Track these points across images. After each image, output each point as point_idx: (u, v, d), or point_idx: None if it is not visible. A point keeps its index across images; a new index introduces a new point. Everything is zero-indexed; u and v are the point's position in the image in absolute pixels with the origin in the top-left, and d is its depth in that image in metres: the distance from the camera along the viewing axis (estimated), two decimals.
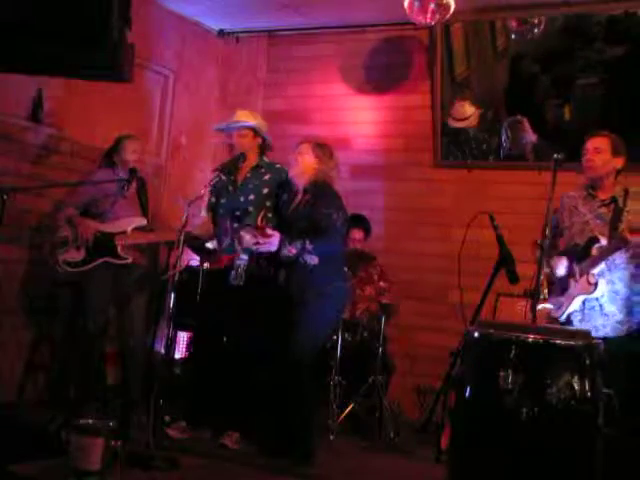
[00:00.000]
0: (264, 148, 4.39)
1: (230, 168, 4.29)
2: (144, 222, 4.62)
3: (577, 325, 3.63)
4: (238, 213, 4.21)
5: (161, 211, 4.89)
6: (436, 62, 5.58)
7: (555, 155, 3.64)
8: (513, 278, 3.90)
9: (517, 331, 2.77)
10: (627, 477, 3.36)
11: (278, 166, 4.36)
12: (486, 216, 3.98)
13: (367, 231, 5.31)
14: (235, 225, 4.20)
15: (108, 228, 4.54)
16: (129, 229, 4.57)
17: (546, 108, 5.28)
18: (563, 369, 2.69)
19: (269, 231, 3.83)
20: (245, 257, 4.05)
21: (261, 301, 4.10)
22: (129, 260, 4.54)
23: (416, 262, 5.60)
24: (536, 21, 5.27)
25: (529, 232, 3.99)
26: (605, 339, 3.30)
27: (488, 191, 5.37)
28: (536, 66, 5.31)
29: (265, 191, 4.25)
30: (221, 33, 6.25)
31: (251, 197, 4.24)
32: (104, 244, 4.50)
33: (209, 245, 4.57)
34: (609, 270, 3.69)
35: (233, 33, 6.25)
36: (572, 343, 2.74)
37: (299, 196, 4.10)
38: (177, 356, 4.97)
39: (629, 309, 3.73)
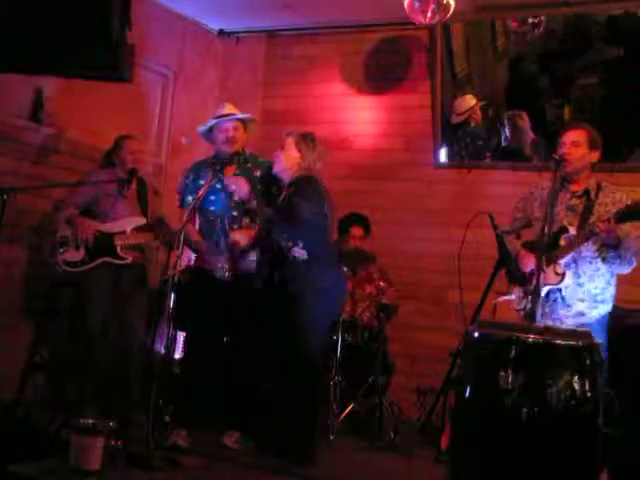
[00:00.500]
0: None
1: (221, 165, 4.16)
2: (144, 222, 4.62)
3: (539, 318, 3.49)
4: (235, 213, 4.18)
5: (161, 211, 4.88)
6: (436, 62, 5.58)
7: (555, 155, 3.63)
8: (513, 278, 3.89)
9: (517, 331, 2.77)
10: (627, 477, 3.36)
11: (261, 159, 4.31)
12: (486, 216, 3.97)
13: (367, 229, 5.31)
14: (235, 226, 4.17)
15: (108, 228, 4.54)
16: (128, 229, 4.57)
17: (546, 108, 5.29)
18: (563, 369, 2.69)
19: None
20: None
21: (257, 299, 4.10)
22: (129, 260, 4.54)
23: (416, 262, 5.60)
24: (536, 21, 5.27)
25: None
26: None
27: (488, 191, 5.37)
28: (536, 66, 5.32)
29: (258, 188, 4.18)
30: (221, 33, 6.25)
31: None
32: (104, 244, 4.50)
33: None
34: (575, 262, 3.63)
35: (233, 33, 6.25)
36: (572, 343, 2.75)
37: (284, 192, 4.08)
38: (177, 356, 4.96)
39: (591, 303, 3.66)
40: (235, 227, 4.17)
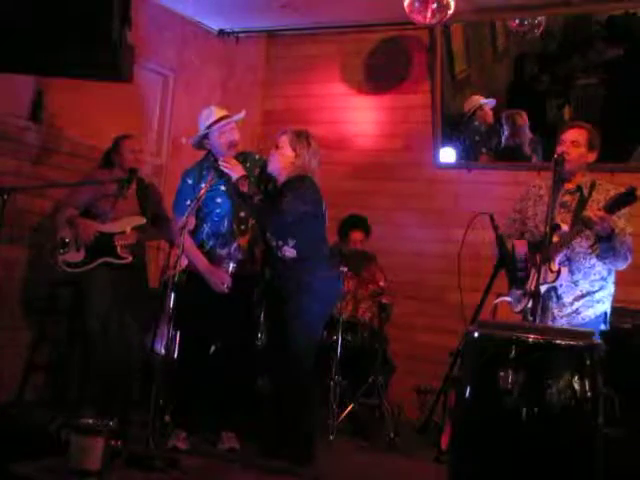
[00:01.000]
0: None
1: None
2: (143, 221, 4.62)
3: (537, 318, 3.53)
4: (243, 214, 4.15)
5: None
6: (436, 62, 5.58)
7: (555, 155, 3.63)
8: (512, 279, 3.87)
9: (517, 331, 2.77)
10: (627, 477, 3.36)
11: (258, 157, 4.27)
12: (486, 216, 3.97)
13: (367, 232, 5.31)
14: (242, 227, 4.15)
15: (108, 229, 4.54)
16: (128, 229, 4.57)
17: (546, 108, 5.29)
18: (563, 369, 2.69)
19: None
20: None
21: (250, 299, 4.11)
22: (129, 260, 4.54)
23: (416, 262, 5.60)
24: (536, 21, 5.27)
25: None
26: None
27: (488, 191, 5.37)
28: (536, 66, 5.32)
29: (261, 187, 4.12)
30: (221, 33, 6.24)
31: None
32: (104, 244, 4.50)
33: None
34: (569, 260, 3.61)
35: (233, 33, 6.24)
36: (572, 343, 2.74)
37: (278, 191, 4.05)
38: (177, 356, 4.96)
39: (587, 302, 3.63)
40: (243, 228, 4.15)
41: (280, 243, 3.95)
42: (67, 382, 4.75)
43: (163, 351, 4.12)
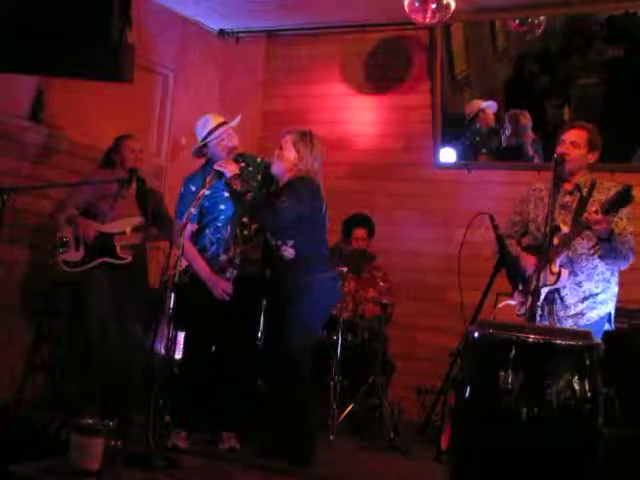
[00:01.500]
0: None
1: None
2: (143, 222, 4.61)
3: (538, 320, 3.47)
4: (245, 220, 4.15)
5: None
6: (436, 62, 5.59)
7: (555, 155, 3.62)
8: (515, 284, 3.86)
9: (517, 331, 2.77)
10: (627, 477, 3.36)
11: (259, 160, 4.26)
12: (486, 216, 3.97)
13: (371, 230, 5.31)
14: (245, 233, 4.16)
15: (108, 229, 4.54)
16: (128, 229, 4.57)
17: (546, 108, 5.29)
18: (563, 369, 2.68)
19: None
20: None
21: (250, 299, 4.11)
22: (128, 260, 4.54)
23: (416, 262, 5.60)
24: (536, 21, 5.27)
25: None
26: None
27: (488, 191, 5.38)
28: (536, 66, 5.32)
29: (261, 196, 4.09)
30: (221, 33, 6.25)
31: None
32: (103, 244, 4.50)
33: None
34: (571, 261, 3.59)
35: (233, 33, 6.25)
36: (572, 343, 2.74)
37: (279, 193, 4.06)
38: (177, 356, 4.96)
39: (591, 303, 3.62)
40: (245, 233, 4.16)
41: (279, 243, 3.95)
42: (67, 382, 4.75)
43: (163, 351, 4.11)
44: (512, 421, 2.66)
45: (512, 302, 3.79)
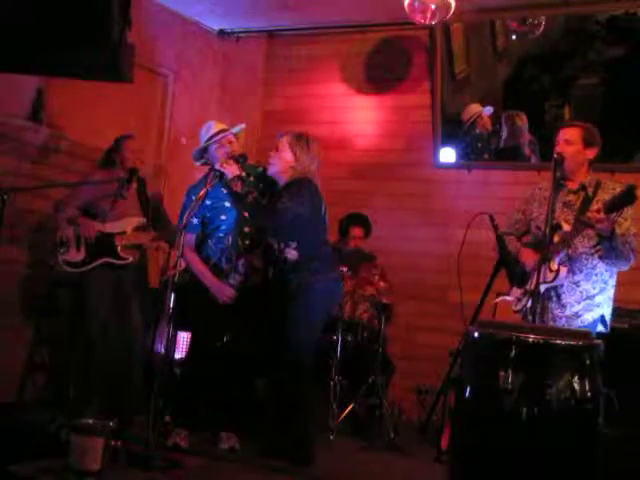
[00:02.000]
0: None
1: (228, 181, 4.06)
2: (143, 221, 4.62)
3: (536, 318, 3.47)
4: (247, 230, 4.16)
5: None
6: (436, 62, 5.58)
7: (555, 155, 3.62)
8: (513, 279, 3.87)
9: (517, 331, 2.77)
10: (627, 477, 3.36)
11: (260, 169, 4.22)
12: (486, 216, 3.97)
13: (367, 229, 5.31)
14: (246, 242, 4.17)
15: (108, 228, 4.54)
16: (129, 229, 4.57)
17: (546, 108, 5.29)
18: (563, 369, 2.68)
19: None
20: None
21: (252, 300, 4.11)
22: (129, 260, 4.54)
23: (416, 262, 5.60)
24: (536, 21, 5.27)
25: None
26: None
27: (488, 191, 5.38)
28: (536, 66, 5.32)
29: (264, 202, 4.09)
30: (221, 33, 6.25)
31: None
32: (104, 244, 4.50)
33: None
34: (570, 260, 3.59)
35: (233, 33, 6.25)
36: (572, 343, 2.74)
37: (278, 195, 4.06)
38: (177, 356, 4.96)
39: (587, 305, 3.61)
40: (247, 243, 4.17)
41: (282, 245, 3.97)
42: (67, 382, 4.75)
43: (163, 351, 4.12)
44: (512, 421, 2.66)
45: (509, 298, 3.79)
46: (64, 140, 5.01)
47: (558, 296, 3.62)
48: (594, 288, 3.62)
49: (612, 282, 3.68)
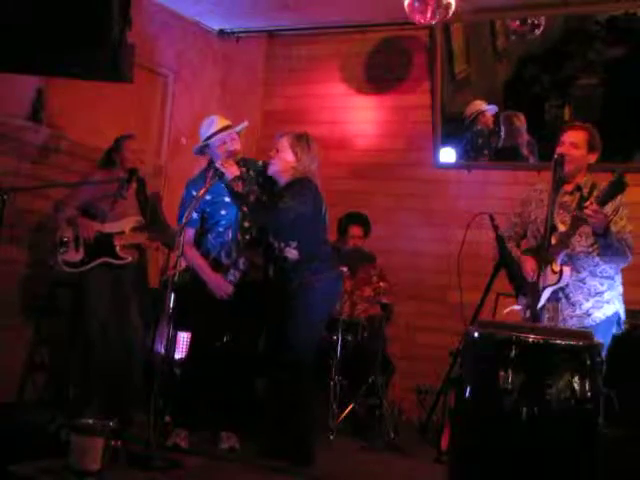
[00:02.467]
0: None
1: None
2: (143, 221, 4.61)
3: (545, 321, 3.51)
4: (247, 225, 4.15)
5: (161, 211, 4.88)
6: (436, 62, 5.58)
7: (555, 155, 3.62)
8: (518, 288, 3.86)
9: (517, 331, 2.77)
10: (627, 477, 3.36)
11: (260, 163, 4.25)
12: (486, 216, 3.97)
13: (366, 228, 5.30)
14: (246, 237, 4.16)
15: (107, 229, 4.54)
16: (127, 229, 4.57)
17: (546, 108, 5.29)
18: (563, 369, 2.68)
19: None
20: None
21: (252, 299, 4.11)
22: (128, 260, 4.54)
23: (416, 262, 5.60)
24: (536, 21, 5.27)
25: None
26: None
27: (488, 191, 5.38)
28: (536, 66, 5.32)
29: (264, 199, 4.10)
30: (221, 33, 6.25)
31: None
32: (103, 244, 4.50)
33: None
34: (571, 258, 3.57)
35: (233, 33, 6.25)
36: (572, 343, 2.74)
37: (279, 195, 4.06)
38: (177, 356, 4.97)
39: (596, 302, 3.60)
40: (247, 238, 4.16)
41: (282, 245, 3.97)
42: (67, 382, 4.75)
43: (163, 351, 4.12)
44: (512, 421, 2.66)
45: (517, 307, 3.79)
46: (64, 140, 5.01)
47: (566, 296, 3.61)
48: (602, 284, 3.61)
49: (619, 278, 3.67)
